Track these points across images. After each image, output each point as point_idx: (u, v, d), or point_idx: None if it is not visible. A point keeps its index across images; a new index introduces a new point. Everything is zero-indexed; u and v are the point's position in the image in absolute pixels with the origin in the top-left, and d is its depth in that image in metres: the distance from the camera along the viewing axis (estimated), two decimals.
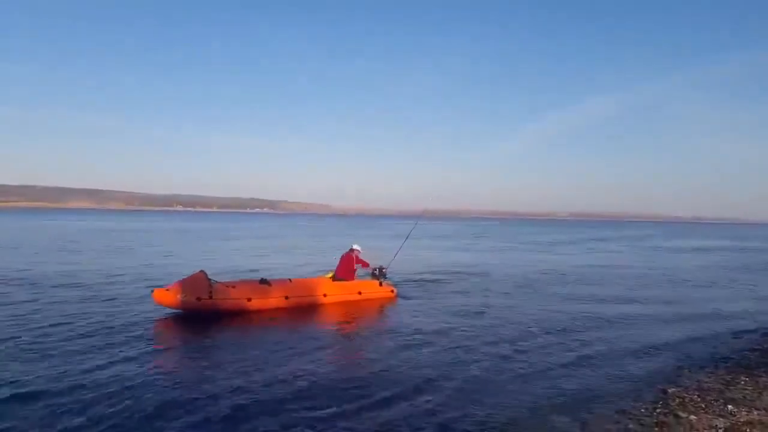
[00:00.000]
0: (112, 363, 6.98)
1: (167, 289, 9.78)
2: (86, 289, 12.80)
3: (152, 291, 9.96)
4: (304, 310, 11.00)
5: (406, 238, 15.52)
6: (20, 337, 8.18)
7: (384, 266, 13.48)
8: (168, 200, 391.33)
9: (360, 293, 12.28)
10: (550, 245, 41.02)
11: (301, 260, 22.76)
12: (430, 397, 6.18)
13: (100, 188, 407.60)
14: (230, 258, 23.26)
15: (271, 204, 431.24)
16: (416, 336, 9.17)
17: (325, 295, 11.59)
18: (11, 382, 6.12)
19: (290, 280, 11.99)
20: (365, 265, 12.85)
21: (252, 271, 17.48)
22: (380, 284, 12.90)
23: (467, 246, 37.66)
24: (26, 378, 6.29)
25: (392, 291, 13.08)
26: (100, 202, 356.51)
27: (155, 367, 7.01)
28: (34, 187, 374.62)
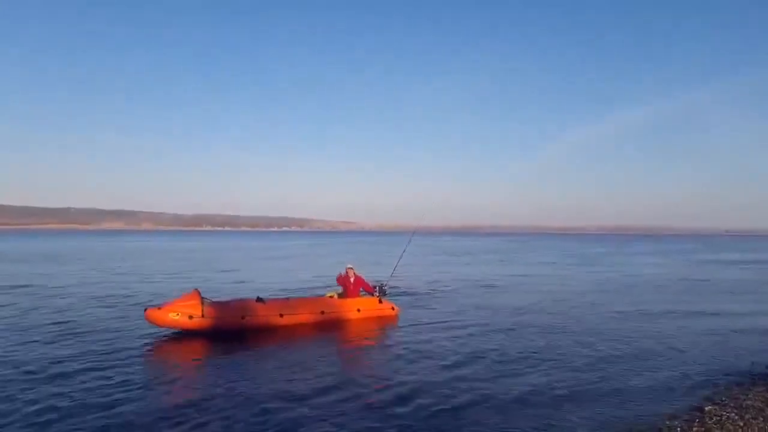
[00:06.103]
0: (95, 387, 6.87)
1: (159, 308, 9.78)
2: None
3: (144, 310, 9.90)
4: (300, 328, 10.79)
5: (402, 254, 14.96)
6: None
7: (384, 283, 13.09)
8: (197, 220, 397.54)
9: (358, 311, 11.94)
10: (585, 260, 40.39)
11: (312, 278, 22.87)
12: (451, 415, 6.14)
13: (129, 209, 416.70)
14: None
15: (300, 222, 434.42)
16: (419, 361, 8.61)
17: (322, 313, 11.34)
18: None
19: (287, 298, 12.00)
20: (369, 288, 12.69)
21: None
22: (380, 301, 12.52)
23: (486, 261, 37.35)
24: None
25: (393, 308, 12.61)
26: (131, 223, 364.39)
27: (138, 389, 6.85)
28: (67, 209, 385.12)
